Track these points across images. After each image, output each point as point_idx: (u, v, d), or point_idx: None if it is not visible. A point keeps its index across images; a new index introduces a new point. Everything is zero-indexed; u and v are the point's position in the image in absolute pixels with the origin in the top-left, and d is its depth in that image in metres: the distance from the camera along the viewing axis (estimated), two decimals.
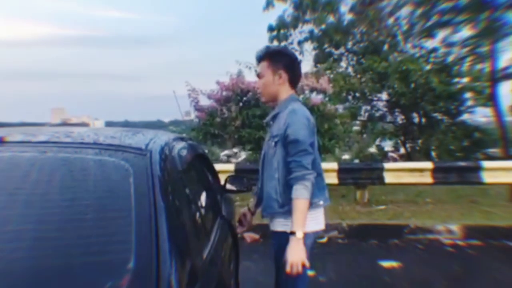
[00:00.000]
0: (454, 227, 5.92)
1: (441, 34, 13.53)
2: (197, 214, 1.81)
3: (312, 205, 2.02)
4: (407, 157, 14.14)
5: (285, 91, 2.19)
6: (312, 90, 7.60)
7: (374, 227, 5.94)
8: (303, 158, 1.99)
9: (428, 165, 7.24)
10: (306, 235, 1.98)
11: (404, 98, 12.75)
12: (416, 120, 14.49)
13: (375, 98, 14.38)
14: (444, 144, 14.05)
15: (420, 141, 14.44)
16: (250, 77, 7.77)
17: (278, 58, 2.20)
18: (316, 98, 7.59)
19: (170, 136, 1.97)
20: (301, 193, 1.95)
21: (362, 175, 7.23)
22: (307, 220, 1.97)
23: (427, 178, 7.03)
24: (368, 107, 15.04)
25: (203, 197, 2.16)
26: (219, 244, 1.90)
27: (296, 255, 1.90)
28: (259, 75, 2.25)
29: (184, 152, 1.96)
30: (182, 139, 2.22)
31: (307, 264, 1.93)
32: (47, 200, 1.26)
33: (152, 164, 1.46)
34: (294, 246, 1.91)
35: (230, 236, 2.36)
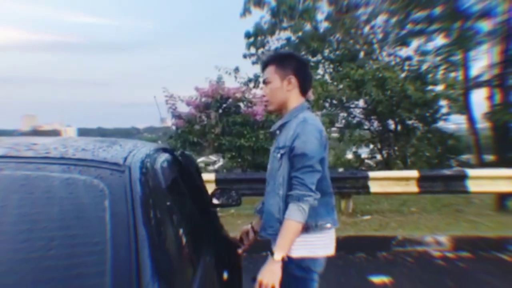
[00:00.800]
0: (442, 238, 5.82)
1: (415, 42, 13.76)
2: (186, 240, 1.56)
3: (317, 227, 1.86)
4: (384, 164, 14.22)
5: (295, 98, 1.99)
6: None
7: (361, 239, 5.78)
8: (307, 176, 1.79)
9: (414, 173, 7.14)
10: (306, 261, 1.84)
11: (381, 105, 12.81)
12: (392, 127, 14.61)
13: (352, 105, 14.43)
14: (419, 151, 14.21)
15: (396, 148, 14.55)
16: (229, 83, 7.58)
17: (287, 62, 2.00)
18: None
19: (151, 147, 1.71)
20: (293, 214, 1.76)
21: (347, 184, 7.05)
22: (314, 244, 1.85)
23: (413, 187, 6.93)
24: (345, 114, 15.08)
25: (192, 217, 1.92)
26: (212, 273, 1.67)
27: (267, 276, 1.74)
28: (265, 81, 2.04)
29: (168, 166, 1.72)
30: (164, 150, 1.97)
31: None
32: (0, 232, 1.00)
33: (132, 182, 1.22)
34: (268, 267, 1.76)
35: (227, 258, 2.12)
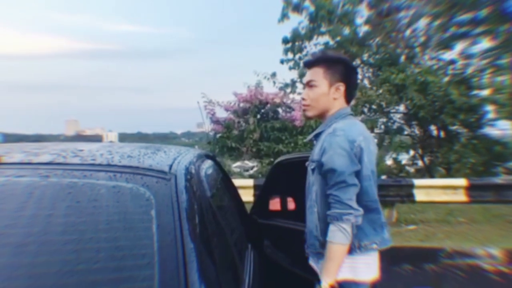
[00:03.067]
0: (495, 251, 5.46)
1: (459, 46, 13.27)
2: (231, 250, 1.51)
3: (361, 248, 1.69)
4: (426, 171, 13.75)
5: (339, 107, 1.83)
6: None
7: (406, 250, 5.52)
8: (341, 192, 1.61)
9: (462, 182, 6.79)
10: (348, 284, 1.68)
11: (423, 111, 12.41)
12: (435, 133, 14.12)
13: (393, 111, 14.07)
14: (464, 158, 13.65)
15: (438, 154, 14.03)
16: (267, 89, 7.54)
17: (337, 67, 1.83)
18: None
19: (194, 154, 1.67)
20: (335, 236, 1.60)
21: (390, 192, 6.77)
22: (357, 267, 1.68)
23: (461, 196, 6.58)
24: (385, 120, 14.73)
25: (233, 226, 1.86)
26: (256, 281, 1.60)
27: None
28: (310, 84, 1.85)
29: (212, 173, 1.67)
30: (207, 156, 1.93)
31: None
32: (47, 242, 0.97)
33: (178, 191, 1.17)
34: None
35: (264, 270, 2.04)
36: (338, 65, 1.84)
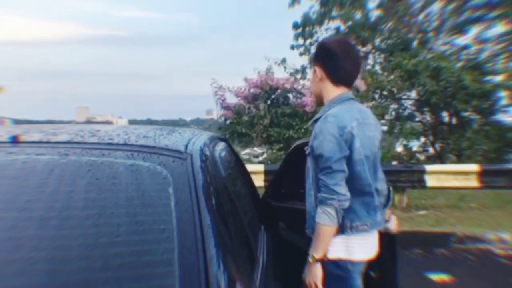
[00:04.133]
0: (506, 236, 5.43)
1: (474, 30, 13.03)
2: (245, 231, 1.53)
3: (352, 229, 1.76)
4: (437, 158, 13.65)
5: (328, 91, 1.86)
6: None
7: (417, 235, 5.52)
8: (328, 177, 1.67)
9: (474, 167, 6.75)
10: (344, 262, 1.77)
11: (435, 97, 12.27)
12: (446, 119, 13.98)
13: (404, 97, 13.93)
14: (476, 144, 13.51)
15: (450, 141, 13.91)
16: (279, 74, 7.49)
17: (315, 53, 1.92)
18: None
19: (208, 136, 1.69)
20: (320, 217, 1.69)
21: (401, 177, 6.75)
22: (350, 246, 1.76)
23: (473, 182, 6.55)
24: (396, 106, 14.60)
25: (247, 207, 1.88)
26: (269, 267, 1.62)
27: (308, 276, 1.76)
28: None
29: (225, 155, 1.69)
30: (220, 139, 1.94)
31: None
32: (68, 217, 0.99)
33: (194, 170, 1.19)
34: (307, 268, 1.77)
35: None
36: (316, 50, 1.91)
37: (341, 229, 1.73)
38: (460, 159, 13.02)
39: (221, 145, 1.79)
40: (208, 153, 1.43)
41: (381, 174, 1.90)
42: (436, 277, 3.88)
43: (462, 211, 6.74)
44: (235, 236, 1.27)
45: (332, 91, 1.84)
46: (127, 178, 1.12)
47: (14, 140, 1.25)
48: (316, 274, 1.72)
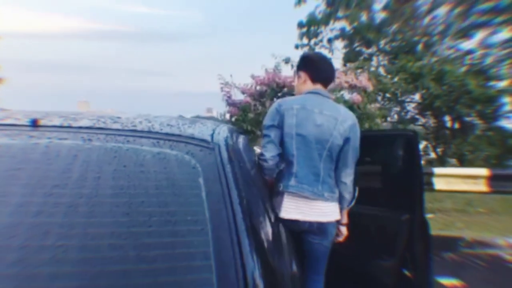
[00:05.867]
0: None
1: (479, 35, 12.99)
2: (270, 223, 1.47)
3: (277, 191, 2.09)
4: (438, 162, 13.60)
5: (309, 88, 2.20)
6: (351, 87, 7.16)
7: None
8: (262, 140, 2.10)
9: (483, 172, 6.69)
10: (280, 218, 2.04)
11: (439, 100, 12.22)
12: (449, 124, 13.93)
13: (407, 100, 13.88)
14: (478, 150, 13.48)
15: (453, 145, 13.86)
16: (286, 72, 7.39)
17: (299, 62, 2.33)
18: (357, 96, 7.13)
19: (229, 128, 1.63)
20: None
21: None
22: (279, 206, 2.06)
23: (481, 186, 6.51)
24: (398, 109, 14.56)
25: (266, 198, 1.83)
26: (291, 254, 1.57)
27: None
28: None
29: (247, 148, 1.63)
30: (239, 132, 1.89)
31: None
32: (98, 204, 0.93)
33: (223, 160, 1.13)
34: None
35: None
36: (300, 60, 2.32)
37: (277, 191, 2.09)
38: (461, 164, 12.99)
39: (241, 138, 1.73)
40: (232, 144, 1.37)
41: (350, 170, 2.12)
42: (447, 281, 3.81)
43: (470, 215, 6.67)
44: (264, 228, 1.21)
45: (310, 88, 2.18)
46: (155, 166, 1.06)
47: (34, 124, 1.18)
48: None
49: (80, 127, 1.22)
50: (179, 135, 1.24)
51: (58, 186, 0.95)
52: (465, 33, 13.08)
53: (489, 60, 13.20)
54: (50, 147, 1.08)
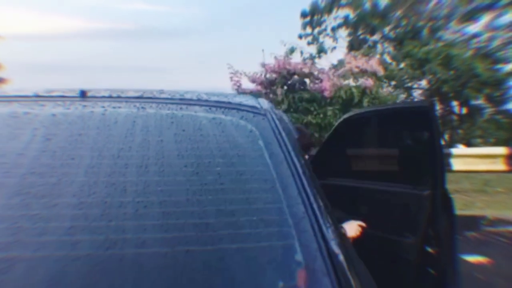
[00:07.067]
0: None
1: (485, 18, 12.90)
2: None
3: None
4: (446, 147, 13.58)
5: None
6: (362, 72, 7.12)
7: None
8: None
9: (501, 151, 6.69)
10: None
11: (446, 85, 12.16)
12: (456, 109, 13.88)
13: (415, 86, 13.82)
14: (487, 134, 13.44)
15: (460, 130, 13.83)
16: (296, 59, 7.37)
17: None
18: (369, 81, 7.10)
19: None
20: None
21: None
22: None
23: (500, 165, 6.48)
24: (404, 95, 14.51)
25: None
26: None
27: None
28: None
29: (286, 117, 1.62)
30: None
31: None
32: (167, 165, 0.92)
33: (277, 125, 1.12)
34: None
35: None
36: None
37: None
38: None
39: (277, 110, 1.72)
40: (278, 112, 1.36)
41: None
42: (472, 258, 3.81)
43: (488, 195, 6.63)
44: (319, 186, 1.21)
45: None
46: (214, 130, 1.05)
47: (83, 95, 1.17)
48: None
49: (130, 97, 1.21)
50: (229, 102, 1.22)
51: (123, 149, 0.93)
52: (471, 16, 12.99)
53: (495, 43, 13.11)
54: (106, 115, 1.07)
